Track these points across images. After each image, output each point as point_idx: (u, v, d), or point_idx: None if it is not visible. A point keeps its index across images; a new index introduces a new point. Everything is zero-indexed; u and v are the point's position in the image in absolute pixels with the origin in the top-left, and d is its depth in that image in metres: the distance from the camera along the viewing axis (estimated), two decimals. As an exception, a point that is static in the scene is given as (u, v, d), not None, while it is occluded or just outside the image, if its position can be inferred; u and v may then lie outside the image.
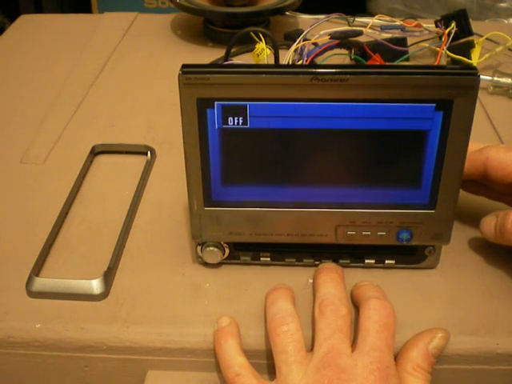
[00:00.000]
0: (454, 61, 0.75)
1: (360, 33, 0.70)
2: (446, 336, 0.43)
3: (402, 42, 0.76)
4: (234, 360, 0.43)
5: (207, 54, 0.82)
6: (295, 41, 0.66)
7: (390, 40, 0.74)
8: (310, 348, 0.43)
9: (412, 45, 0.77)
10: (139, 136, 0.67)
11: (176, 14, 0.97)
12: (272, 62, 0.60)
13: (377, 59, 0.71)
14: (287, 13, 0.94)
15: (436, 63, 0.74)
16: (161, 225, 0.55)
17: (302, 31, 0.66)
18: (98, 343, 0.45)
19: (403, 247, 0.48)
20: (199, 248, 0.49)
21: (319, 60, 0.67)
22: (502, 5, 1.41)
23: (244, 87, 0.42)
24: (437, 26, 0.79)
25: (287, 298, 0.45)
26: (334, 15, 0.75)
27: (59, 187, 0.58)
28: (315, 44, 0.68)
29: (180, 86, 0.42)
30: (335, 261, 0.49)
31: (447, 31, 0.75)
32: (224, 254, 0.49)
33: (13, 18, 1.00)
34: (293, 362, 0.41)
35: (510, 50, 0.81)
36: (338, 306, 0.43)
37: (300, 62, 0.64)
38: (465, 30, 0.78)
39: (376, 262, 0.50)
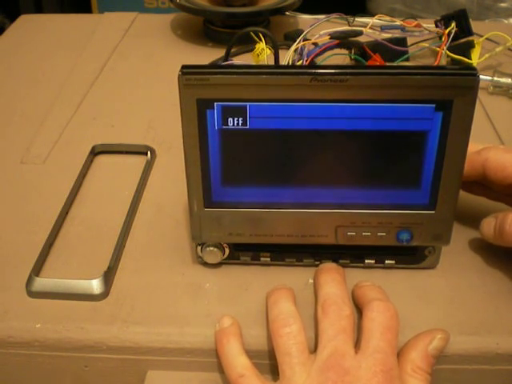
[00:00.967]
0: (453, 61, 0.75)
1: (360, 33, 0.70)
2: (446, 337, 0.43)
3: (402, 41, 0.76)
4: (237, 361, 0.43)
5: (207, 54, 0.82)
6: (295, 41, 0.66)
7: (389, 40, 0.74)
8: (314, 349, 0.43)
9: (412, 45, 0.77)
10: (139, 136, 0.67)
11: (176, 13, 0.97)
12: (272, 62, 0.60)
13: (377, 59, 0.71)
14: (287, 13, 0.94)
15: (436, 63, 0.74)
16: (161, 225, 0.55)
17: (301, 31, 0.66)
18: (98, 343, 0.45)
19: (403, 247, 0.48)
20: (199, 248, 0.49)
21: (319, 60, 0.67)
22: (502, 5, 1.41)
23: (244, 88, 0.42)
24: (437, 26, 0.79)
25: (289, 298, 0.45)
26: (333, 15, 0.75)
27: (59, 187, 0.58)
28: (315, 44, 0.68)
29: (180, 87, 0.42)
30: (335, 261, 0.49)
31: (447, 31, 0.75)
32: (224, 254, 0.49)
33: (13, 18, 1.00)
34: (296, 363, 0.41)
35: (510, 49, 0.81)
36: (341, 306, 0.43)
37: (300, 62, 0.64)
38: (465, 29, 0.78)
39: (376, 262, 0.50)
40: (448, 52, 0.74)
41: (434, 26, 0.79)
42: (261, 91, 0.42)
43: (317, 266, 0.49)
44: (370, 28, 0.71)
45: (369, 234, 0.47)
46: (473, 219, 0.53)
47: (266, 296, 0.47)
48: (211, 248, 0.48)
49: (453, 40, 0.75)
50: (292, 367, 0.41)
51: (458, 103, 0.41)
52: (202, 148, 0.44)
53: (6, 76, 0.80)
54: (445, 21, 0.78)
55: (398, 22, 0.75)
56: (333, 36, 0.69)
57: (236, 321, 0.45)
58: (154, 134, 0.67)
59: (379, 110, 0.42)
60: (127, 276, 0.50)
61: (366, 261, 0.50)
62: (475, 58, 0.76)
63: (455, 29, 0.75)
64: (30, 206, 0.57)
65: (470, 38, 0.77)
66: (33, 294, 0.48)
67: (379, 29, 0.74)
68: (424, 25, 0.76)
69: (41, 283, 0.48)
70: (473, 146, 0.48)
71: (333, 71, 0.41)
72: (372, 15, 0.75)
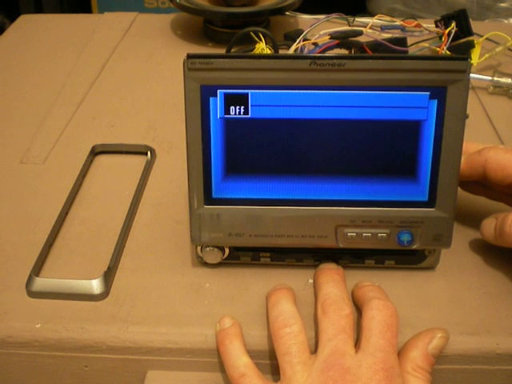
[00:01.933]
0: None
1: (360, 33, 0.71)
2: (446, 336, 0.43)
3: (401, 42, 0.76)
4: (239, 360, 0.43)
5: (207, 54, 0.82)
6: (295, 41, 0.66)
7: (389, 40, 0.74)
8: (314, 348, 0.43)
9: (412, 45, 0.77)
10: (139, 136, 0.67)
11: (176, 13, 0.97)
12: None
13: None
14: (287, 13, 0.94)
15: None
16: (161, 225, 0.55)
17: (301, 31, 0.66)
18: (98, 343, 0.45)
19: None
20: (199, 248, 0.49)
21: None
22: (502, 5, 1.40)
23: (246, 73, 0.43)
24: (437, 26, 0.79)
25: (289, 299, 0.45)
26: (334, 15, 0.75)
27: (59, 187, 0.58)
28: (315, 44, 0.68)
29: (184, 72, 0.43)
30: (335, 261, 0.49)
31: (447, 31, 0.75)
32: (224, 254, 0.49)
33: (13, 18, 1.00)
34: (297, 363, 0.41)
35: (510, 49, 0.81)
36: (341, 306, 0.43)
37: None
38: (465, 30, 0.78)
39: (376, 263, 0.50)
40: (448, 52, 0.74)
41: (434, 25, 0.79)
42: (262, 75, 0.43)
43: (317, 266, 0.49)
44: (370, 28, 0.71)
45: (369, 234, 0.47)
46: (473, 219, 0.53)
47: (266, 296, 0.47)
48: (211, 248, 0.48)
49: (453, 40, 0.75)
50: (293, 367, 0.41)
51: (451, 90, 0.43)
52: (204, 138, 0.45)
53: (6, 76, 0.80)
54: (445, 21, 0.78)
55: (398, 22, 0.75)
56: (333, 36, 0.69)
57: (236, 321, 0.45)
58: (153, 134, 0.67)
59: (376, 97, 0.43)
60: (127, 276, 0.50)
61: (366, 261, 0.50)
62: (475, 58, 0.76)
63: (455, 29, 0.75)
64: (30, 206, 0.57)
65: (470, 38, 0.77)
66: (33, 294, 0.48)
67: (379, 29, 0.75)
68: (424, 25, 0.76)
69: (41, 283, 0.48)
70: (473, 146, 0.48)
71: (331, 55, 0.43)
72: (372, 15, 0.75)
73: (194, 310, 0.47)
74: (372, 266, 0.50)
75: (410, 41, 0.77)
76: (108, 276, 0.48)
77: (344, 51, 0.72)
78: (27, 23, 0.97)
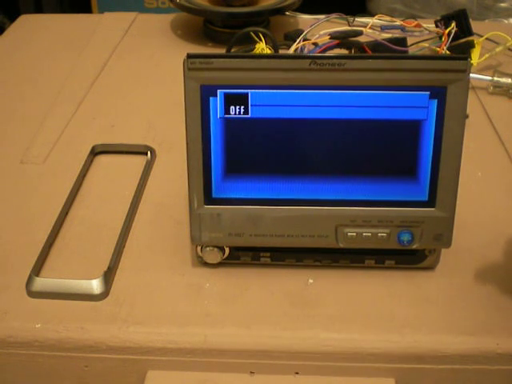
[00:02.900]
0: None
1: (360, 33, 0.71)
2: None
3: (401, 42, 0.76)
4: None
5: (207, 54, 0.82)
6: (295, 41, 0.66)
7: (389, 40, 0.74)
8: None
9: (412, 45, 0.77)
10: (139, 136, 0.67)
11: (176, 14, 0.97)
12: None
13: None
14: (287, 13, 0.94)
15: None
16: (161, 225, 0.55)
17: (301, 31, 0.66)
18: (98, 343, 0.45)
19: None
20: (199, 248, 0.49)
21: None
22: (502, 5, 1.40)
23: (246, 73, 0.43)
24: (437, 26, 0.79)
25: None
26: (333, 15, 0.75)
27: (59, 187, 0.58)
28: (315, 44, 0.68)
29: (184, 72, 0.43)
30: (335, 261, 0.49)
31: (447, 31, 0.75)
32: (224, 254, 0.49)
33: (13, 18, 1.00)
34: None
35: (510, 49, 0.81)
36: None
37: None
38: (465, 30, 0.78)
39: (376, 263, 0.50)
40: (448, 52, 0.74)
41: (434, 25, 0.79)
42: (262, 75, 0.43)
43: (317, 266, 0.49)
44: (370, 28, 0.71)
45: (369, 234, 0.47)
46: (473, 219, 0.53)
47: None
48: (211, 248, 0.48)
49: (453, 40, 0.75)
50: None
51: (451, 90, 0.43)
52: (204, 138, 0.45)
53: (6, 76, 0.80)
54: (445, 21, 0.78)
55: (398, 22, 0.75)
56: (333, 36, 0.69)
57: None
58: (154, 134, 0.67)
59: (376, 97, 0.43)
60: (127, 276, 0.50)
61: (366, 261, 0.49)
62: (475, 58, 0.76)
63: (455, 29, 0.75)
64: (30, 206, 0.57)
65: (470, 38, 0.77)
66: (33, 294, 0.48)
67: (379, 29, 0.75)
68: (424, 25, 0.76)
69: (41, 283, 0.48)
70: None
71: (331, 55, 0.43)
72: (372, 15, 0.75)
73: (194, 309, 0.47)
74: (372, 265, 0.50)
75: (410, 41, 0.77)
76: (108, 276, 0.48)
77: (344, 51, 0.72)
78: (27, 23, 0.97)
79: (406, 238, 0.47)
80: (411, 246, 0.47)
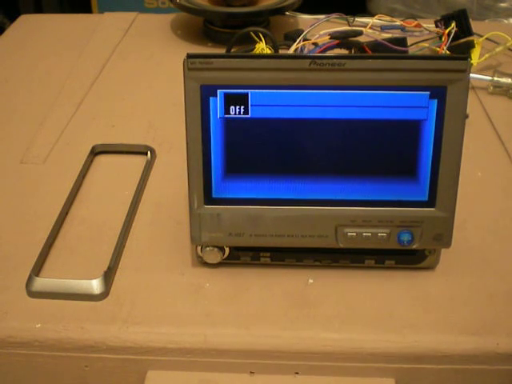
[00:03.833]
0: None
1: (360, 33, 0.71)
2: None
3: (401, 42, 0.76)
4: None
5: (207, 54, 0.82)
6: (295, 41, 0.66)
7: (389, 40, 0.74)
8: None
9: (412, 45, 0.77)
10: (139, 136, 0.67)
11: (176, 14, 0.97)
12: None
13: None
14: (287, 13, 0.94)
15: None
16: (161, 225, 0.55)
17: (301, 31, 0.66)
18: (98, 343, 0.45)
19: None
20: (199, 248, 0.49)
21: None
22: (502, 5, 1.40)
23: (246, 73, 0.43)
24: (437, 26, 0.79)
25: None
26: (333, 15, 0.75)
27: (59, 187, 0.58)
28: (315, 44, 0.68)
29: (185, 72, 0.43)
30: (335, 261, 0.49)
31: (447, 31, 0.75)
32: (224, 254, 0.49)
33: (13, 18, 1.00)
34: None
35: (510, 49, 0.81)
36: None
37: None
38: (465, 30, 0.78)
39: (376, 263, 0.50)
40: (448, 52, 0.74)
41: (434, 25, 0.79)
42: (262, 75, 0.43)
43: (317, 266, 0.49)
44: (370, 28, 0.71)
45: (369, 234, 0.47)
46: (473, 219, 0.53)
47: None
48: (211, 248, 0.48)
49: (453, 40, 0.75)
50: None
51: (451, 90, 0.43)
52: (204, 138, 0.45)
53: (6, 76, 0.80)
54: (445, 21, 0.78)
55: (398, 22, 0.75)
56: (333, 36, 0.69)
57: None
58: (154, 134, 0.67)
59: (376, 97, 0.43)
60: (127, 276, 0.50)
61: (366, 261, 0.49)
62: (475, 58, 0.76)
63: (455, 29, 0.75)
64: (30, 205, 0.57)
65: (470, 38, 0.77)
66: (33, 294, 0.48)
67: (379, 29, 0.75)
68: (424, 25, 0.76)
69: (41, 283, 0.48)
70: None
71: (331, 55, 0.43)
72: (372, 15, 0.75)
73: (194, 310, 0.47)
74: (372, 265, 0.50)
75: (410, 41, 0.77)
76: (108, 276, 0.48)
77: (344, 51, 0.72)
78: (27, 23, 0.97)
79: (405, 238, 0.47)
80: (411, 246, 0.47)
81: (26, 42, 0.90)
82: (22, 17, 0.99)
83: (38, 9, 1.75)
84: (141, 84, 0.78)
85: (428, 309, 0.47)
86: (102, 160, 0.64)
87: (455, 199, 0.46)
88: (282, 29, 0.89)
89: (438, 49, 0.74)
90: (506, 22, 1.37)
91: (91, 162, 0.63)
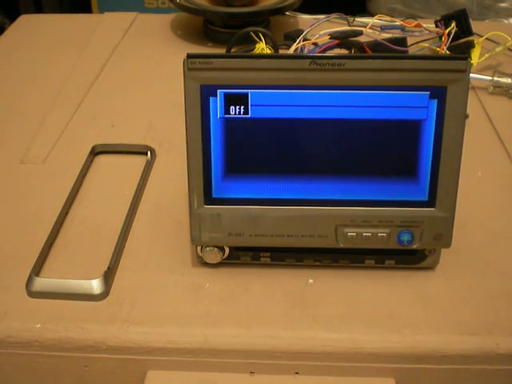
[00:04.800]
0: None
1: (360, 33, 0.71)
2: None
3: (401, 42, 0.76)
4: None
5: (207, 54, 0.82)
6: (295, 41, 0.66)
7: (389, 40, 0.74)
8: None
9: (412, 45, 0.77)
10: (139, 136, 0.67)
11: (176, 14, 0.97)
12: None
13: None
14: (287, 13, 0.94)
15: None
16: (161, 225, 0.55)
17: (301, 31, 0.66)
18: (98, 343, 0.45)
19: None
20: (199, 248, 0.49)
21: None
22: (502, 5, 1.40)
23: (246, 73, 0.43)
24: (437, 26, 0.79)
25: None
26: (333, 15, 0.75)
27: (59, 187, 0.58)
28: (315, 44, 0.68)
29: (185, 72, 0.43)
30: (335, 261, 0.49)
31: (447, 31, 0.75)
32: (224, 254, 0.49)
33: (13, 18, 1.00)
34: None
35: (510, 49, 0.81)
36: None
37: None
38: (465, 30, 0.78)
39: (376, 263, 0.50)
40: (448, 52, 0.74)
41: (434, 25, 0.79)
42: (262, 75, 0.43)
43: (317, 266, 0.49)
44: (370, 28, 0.71)
45: (369, 234, 0.47)
46: (473, 218, 0.53)
47: None
48: (211, 248, 0.48)
49: (453, 40, 0.75)
50: None
51: (451, 90, 0.43)
52: (204, 138, 0.45)
53: (5, 76, 0.80)
54: (445, 21, 0.78)
55: (398, 22, 0.75)
56: (333, 36, 0.70)
57: None
58: (154, 134, 0.67)
59: (376, 97, 0.43)
60: (127, 276, 0.50)
61: (366, 261, 0.49)
62: (475, 58, 0.76)
63: (455, 29, 0.75)
64: (30, 205, 0.57)
65: (470, 38, 0.77)
66: (33, 294, 0.48)
67: (379, 29, 0.75)
68: (424, 25, 0.76)
69: (41, 283, 0.48)
70: None
71: (331, 55, 0.43)
72: (372, 15, 0.75)
73: (194, 309, 0.47)
74: (372, 265, 0.50)
75: (410, 41, 0.77)
76: (108, 276, 0.48)
77: (344, 51, 0.72)
78: (27, 23, 0.97)
79: (405, 238, 0.47)
80: (411, 246, 0.47)
81: (25, 42, 0.90)
82: (22, 17, 0.99)
83: (38, 9, 1.75)
84: (141, 84, 0.78)
85: (428, 309, 0.47)
86: (101, 160, 0.64)
87: (455, 199, 0.46)
88: (282, 29, 0.89)
89: (438, 49, 0.74)
90: (505, 22, 1.37)
91: (91, 161, 0.63)
